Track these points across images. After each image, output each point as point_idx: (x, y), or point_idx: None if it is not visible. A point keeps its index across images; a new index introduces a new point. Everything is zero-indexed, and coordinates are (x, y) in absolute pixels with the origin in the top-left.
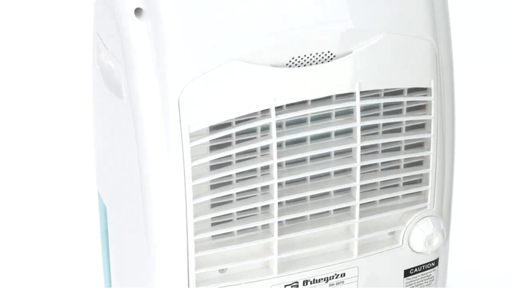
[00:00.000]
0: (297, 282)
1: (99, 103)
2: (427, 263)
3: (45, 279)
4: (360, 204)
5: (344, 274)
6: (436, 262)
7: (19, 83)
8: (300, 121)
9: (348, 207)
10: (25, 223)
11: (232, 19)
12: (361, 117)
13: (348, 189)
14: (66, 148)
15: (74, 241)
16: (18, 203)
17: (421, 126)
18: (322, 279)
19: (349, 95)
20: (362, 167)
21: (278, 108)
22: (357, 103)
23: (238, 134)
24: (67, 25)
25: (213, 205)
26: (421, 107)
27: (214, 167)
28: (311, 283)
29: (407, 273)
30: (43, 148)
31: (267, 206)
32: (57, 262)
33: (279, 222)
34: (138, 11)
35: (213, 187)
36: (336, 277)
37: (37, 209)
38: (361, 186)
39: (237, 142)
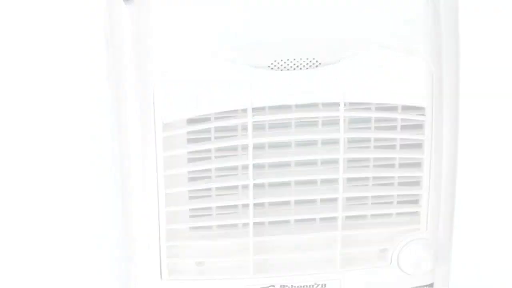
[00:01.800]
0: (273, 286)
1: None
2: (419, 286)
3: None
4: (349, 217)
5: (325, 285)
6: (430, 286)
7: (39, 72)
8: (286, 125)
9: (335, 218)
10: (47, 217)
11: (216, 17)
12: (351, 128)
13: (335, 199)
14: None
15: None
16: (42, 197)
17: (419, 146)
18: (300, 286)
19: (337, 105)
20: (352, 179)
21: (259, 109)
22: (341, 114)
23: (219, 130)
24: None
25: (191, 197)
26: (420, 126)
27: (192, 160)
28: None
29: None
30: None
31: (248, 205)
32: (76, 260)
33: (261, 222)
34: None
35: (192, 179)
36: (316, 287)
37: (63, 201)
38: (350, 198)
39: (217, 138)
